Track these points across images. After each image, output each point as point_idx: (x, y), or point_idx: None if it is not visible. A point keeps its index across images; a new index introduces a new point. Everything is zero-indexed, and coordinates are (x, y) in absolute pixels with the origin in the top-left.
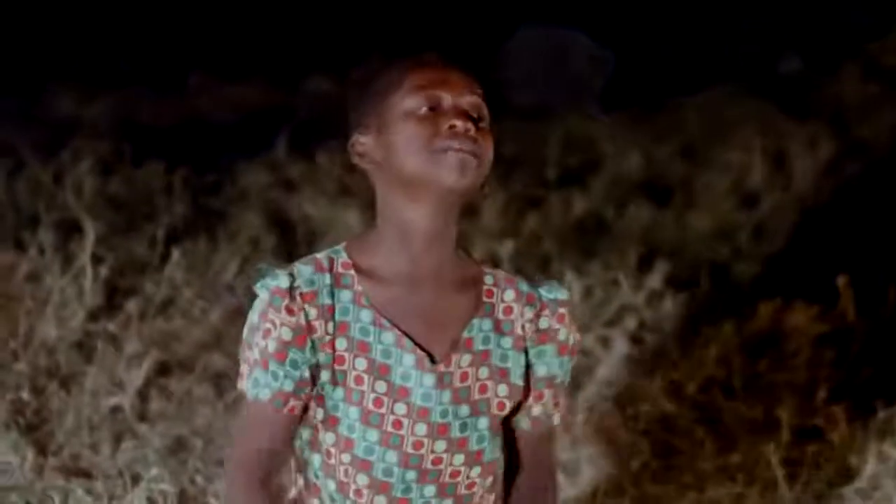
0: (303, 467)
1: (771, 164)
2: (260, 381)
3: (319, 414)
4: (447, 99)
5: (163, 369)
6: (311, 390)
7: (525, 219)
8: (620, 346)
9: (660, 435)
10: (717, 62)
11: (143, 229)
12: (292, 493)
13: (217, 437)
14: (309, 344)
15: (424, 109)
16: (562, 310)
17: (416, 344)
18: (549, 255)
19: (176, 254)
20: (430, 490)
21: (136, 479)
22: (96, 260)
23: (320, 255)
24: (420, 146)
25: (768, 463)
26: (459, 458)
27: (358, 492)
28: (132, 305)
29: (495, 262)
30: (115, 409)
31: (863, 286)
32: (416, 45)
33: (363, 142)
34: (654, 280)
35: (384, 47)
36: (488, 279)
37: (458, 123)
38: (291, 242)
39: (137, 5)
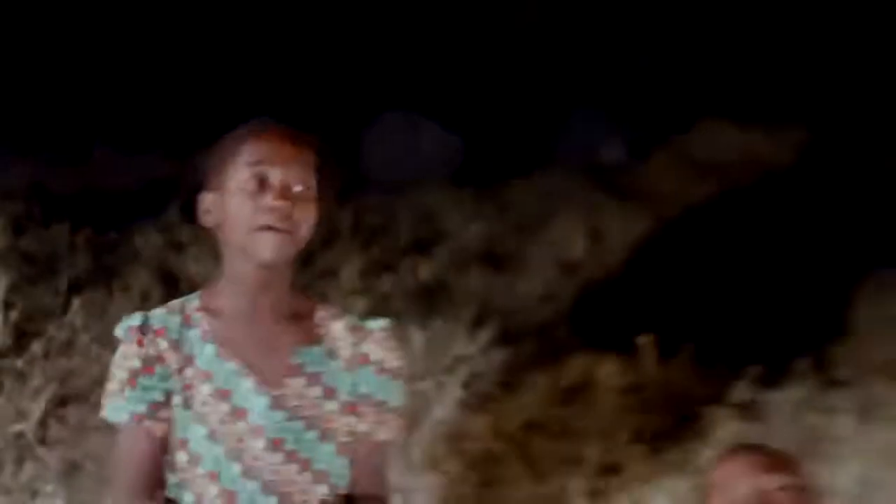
0: (166, 487)
1: (591, 239)
2: (118, 406)
3: (173, 438)
4: (273, 174)
5: (61, 401)
6: (169, 412)
7: (379, 280)
8: (454, 390)
9: (484, 467)
10: (549, 149)
11: (49, 281)
12: None
13: (107, 460)
14: (159, 371)
15: (252, 185)
16: (380, 336)
17: (253, 371)
18: (398, 312)
19: (76, 302)
20: (272, 500)
21: (34, 495)
22: (7, 306)
23: (174, 302)
24: (243, 222)
25: (575, 493)
26: (294, 469)
27: (211, 501)
28: (37, 346)
29: None
30: (19, 435)
31: (663, 343)
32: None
33: (208, 201)
34: (486, 335)
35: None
36: (319, 313)
37: (277, 204)
38: (176, 295)
39: (49, 86)
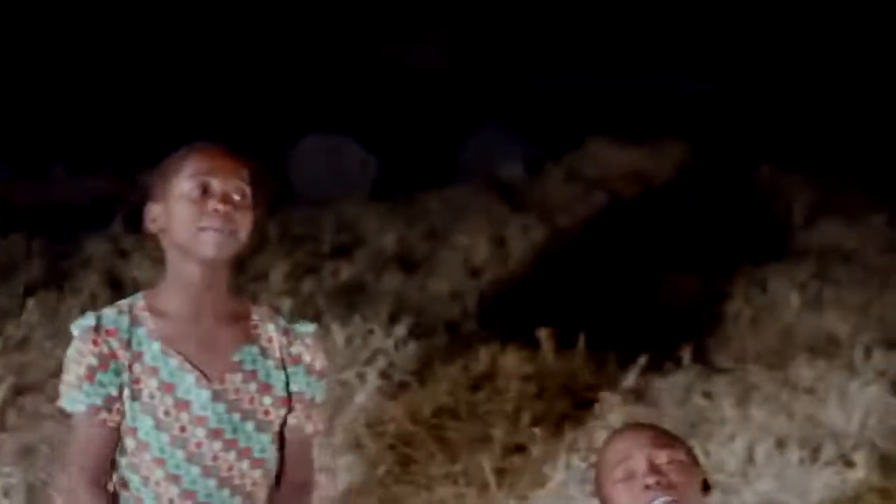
0: (116, 467)
1: (493, 245)
2: (75, 398)
3: (124, 425)
4: (215, 184)
5: (18, 391)
6: (122, 406)
7: (303, 282)
8: (373, 380)
9: (401, 448)
10: (455, 165)
11: (7, 285)
12: (111, 488)
13: (59, 445)
14: (112, 367)
15: (196, 193)
16: (308, 340)
17: (195, 367)
18: (321, 311)
19: (31, 303)
20: (211, 483)
21: None
22: None
23: (122, 302)
24: (188, 224)
25: (483, 470)
26: (233, 455)
27: (157, 483)
28: None
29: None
30: None
31: (560, 336)
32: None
33: (154, 211)
34: (401, 330)
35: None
36: (255, 315)
37: (219, 207)
38: (122, 296)
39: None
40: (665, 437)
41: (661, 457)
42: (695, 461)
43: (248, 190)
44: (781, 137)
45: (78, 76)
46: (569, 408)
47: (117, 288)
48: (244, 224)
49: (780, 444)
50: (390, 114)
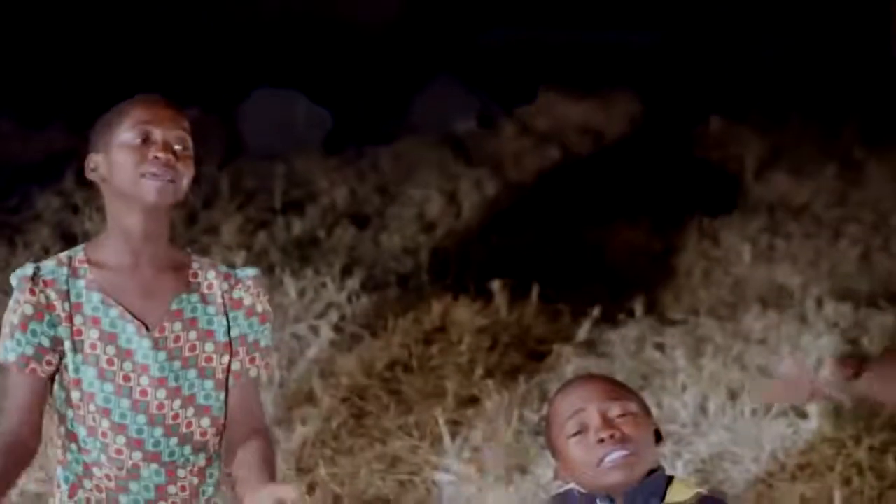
0: (63, 421)
1: (445, 198)
2: (8, 347)
3: (66, 377)
4: (156, 133)
5: None
6: (55, 357)
7: (256, 236)
8: (326, 333)
9: (355, 401)
10: (408, 120)
11: None
12: (57, 442)
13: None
14: (47, 318)
15: (137, 141)
16: (249, 283)
17: (135, 316)
18: (273, 264)
19: None
20: (158, 431)
21: None
22: None
23: (62, 254)
24: (129, 171)
25: (437, 422)
26: (178, 403)
27: (104, 433)
28: None
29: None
30: None
31: (514, 288)
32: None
33: (94, 160)
34: (353, 284)
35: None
36: (195, 265)
37: (160, 155)
38: None
39: None
40: (617, 389)
41: (614, 409)
42: (647, 412)
43: (189, 140)
44: (731, 89)
45: (28, 30)
46: (522, 360)
47: (69, 241)
48: (186, 173)
49: (733, 396)
50: (341, 68)
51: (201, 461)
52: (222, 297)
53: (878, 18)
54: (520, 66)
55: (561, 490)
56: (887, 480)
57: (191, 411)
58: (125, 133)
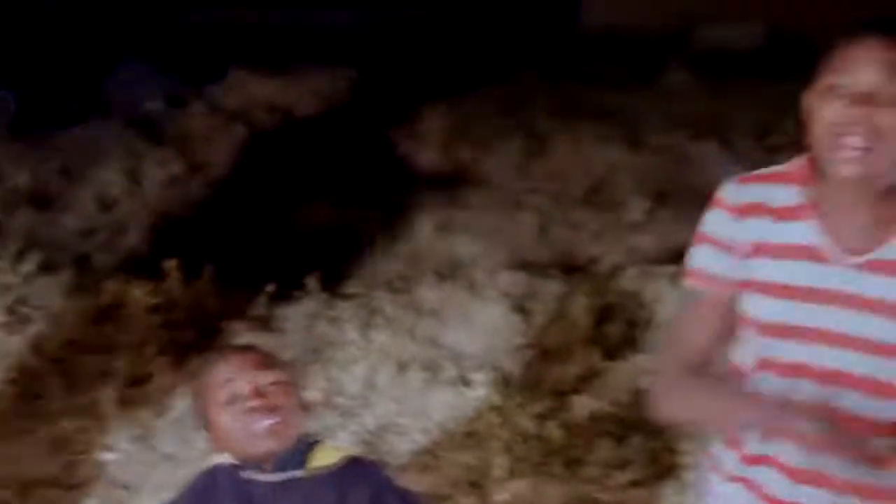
0: None
1: (128, 179)
2: None
3: None
4: None
5: None
6: None
7: None
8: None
9: (24, 383)
10: (97, 101)
11: None
12: None
13: None
14: None
15: None
16: None
17: None
18: None
19: None
20: None
21: None
22: None
23: None
24: None
25: (106, 401)
26: None
27: None
28: None
29: None
30: None
31: (187, 266)
32: None
33: None
34: (29, 266)
35: None
36: None
37: None
38: None
39: None
40: (267, 359)
41: (265, 378)
42: (295, 382)
43: None
44: (421, 65)
45: None
46: (195, 338)
47: None
48: None
49: (402, 367)
50: (26, 50)
51: None
52: None
53: None
54: (214, 46)
55: (209, 465)
56: (551, 447)
57: None
58: None
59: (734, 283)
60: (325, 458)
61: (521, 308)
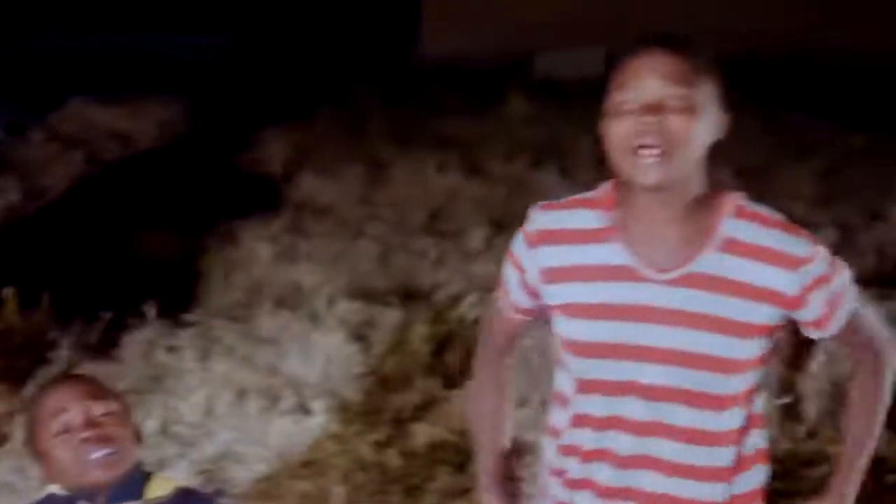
0: None
1: None
2: None
3: None
4: None
5: None
6: None
7: None
8: None
9: None
10: None
11: None
12: None
13: None
14: None
15: None
16: None
17: None
18: None
19: None
20: None
21: None
22: None
23: None
24: None
25: None
26: None
27: None
28: None
29: None
30: None
31: (24, 295)
32: None
33: None
34: None
35: None
36: None
37: None
38: None
39: None
40: (100, 389)
41: (98, 409)
42: (128, 412)
43: None
44: (260, 91)
45: None
46: (31, 366)
47: None
48: None
49: (241, 395)
50: None
51: None
52: None
53: (408, 17)
54: (54, 73)
55: (42, 496)
56: (389, 475)
57: None
58: None
59: (528, 310)
60: (158, 489)
61: (360, 336)
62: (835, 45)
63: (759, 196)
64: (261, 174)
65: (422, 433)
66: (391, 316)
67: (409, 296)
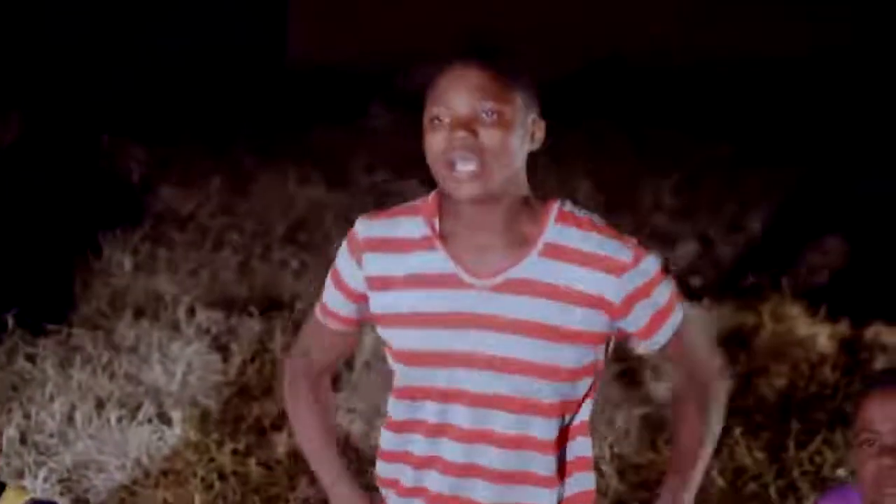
0: None
1: None
2: None
3: None
4: None
5: None
6: None
7: None
8: None
9: None
10: None
11: None
12: None
13: None
14: None
15: None
16: None
17: None
18: None
19: None
20: None
21: None
22: None
23: None
24: None
25: None
26: None
27: None
28: None
29: None
30: None
31: None
32: None
33: None
34: None
35: None
36: None
37: None
38: None
39: None
40: None
41: None
42: None
43: None
44: (122, 105)
45: None
46: None
47: None
48: None
49: (101, 405)
50: None
51: None
52: None
53: (274, 27)
54: None
55: None
56: (250, 485)
57: None
58: None
59: (349, 319)
60: (12, 500)
61: (221, 346)
62: (698, 54)
63: (619, 208)
64: (121, 184)
65: (282, 443)
66: (252, 325)
67: (270, 305)
